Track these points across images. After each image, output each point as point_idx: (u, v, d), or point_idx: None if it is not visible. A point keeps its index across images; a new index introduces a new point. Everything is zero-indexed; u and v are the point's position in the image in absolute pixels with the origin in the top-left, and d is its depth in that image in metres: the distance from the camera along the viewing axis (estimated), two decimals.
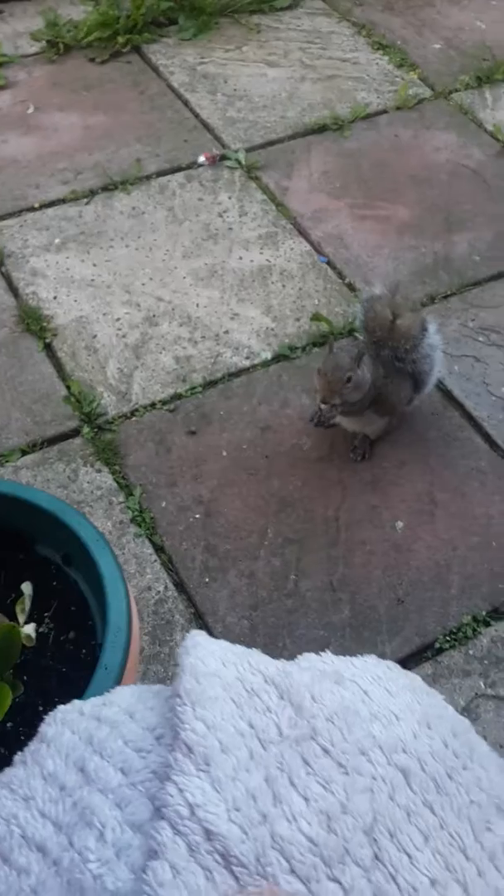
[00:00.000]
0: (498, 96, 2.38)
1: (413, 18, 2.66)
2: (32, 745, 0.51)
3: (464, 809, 0.46)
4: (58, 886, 0.42)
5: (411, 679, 0.56)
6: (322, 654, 0.56)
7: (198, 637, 0.53)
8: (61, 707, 0.54)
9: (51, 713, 0.55)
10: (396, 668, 0.57)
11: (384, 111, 2.33)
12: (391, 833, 0.44)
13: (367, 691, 0.51)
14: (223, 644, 0.54)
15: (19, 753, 0.52)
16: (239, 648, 0.53)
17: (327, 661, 0.55)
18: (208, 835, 0.42)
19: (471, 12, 2.68)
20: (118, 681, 0.95)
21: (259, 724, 0.47)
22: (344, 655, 0.57)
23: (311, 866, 0.42)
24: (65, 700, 1.01)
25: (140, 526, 1.49)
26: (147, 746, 0.48)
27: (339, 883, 0.41)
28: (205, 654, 0.51)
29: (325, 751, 0.46)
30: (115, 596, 1.01)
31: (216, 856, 0.41)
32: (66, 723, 0.51)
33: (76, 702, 0.55)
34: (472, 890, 0.43)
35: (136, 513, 1.50)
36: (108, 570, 1.03)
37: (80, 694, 0.96)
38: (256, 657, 0.53)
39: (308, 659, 0.55)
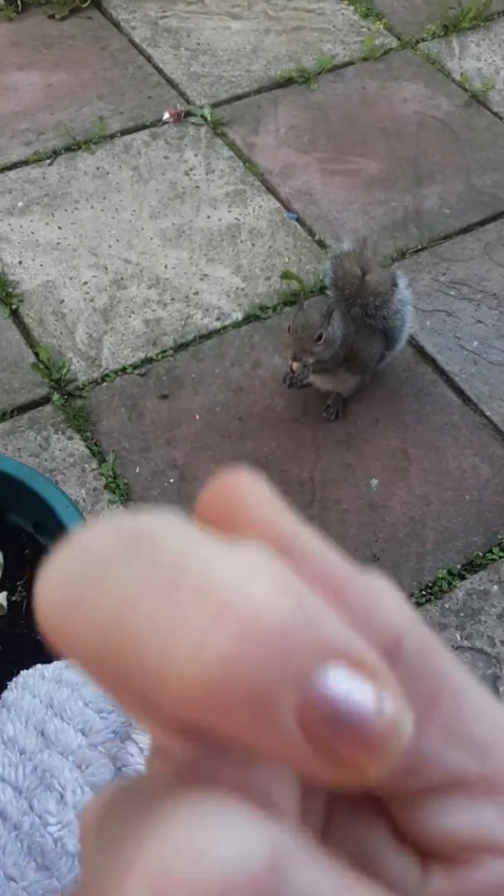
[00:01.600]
0: (465, 45, 2.34)
1: None
2: None
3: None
4: (18, 850, 0.42)
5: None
6: None
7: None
8: (24, 672, 0.54)
9: (14, 678, 0.54)
10: None
11: (351, 63, 2.28)
12: None
13: None
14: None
15: None
16: None
17: None
18: None
19: None
20: None
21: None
22: None
23: None
24: None
25: (114, 492, 1.47)
26: (108, 707, 0.47)
27: None
28: None
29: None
30: None
31: None
32: (26, 687, 0.50)
33: (39, 666, 0.54)
34: None
35: (109, 479, 1.49)
36: None
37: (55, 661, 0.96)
38: None
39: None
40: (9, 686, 0.53)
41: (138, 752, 0.43)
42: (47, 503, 1.06)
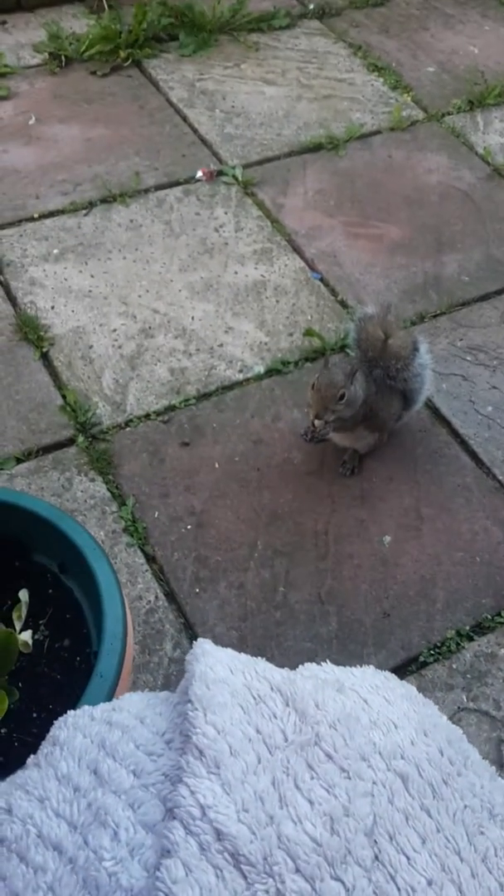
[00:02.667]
0: (489, 120, 2.44)
1: (408, 41, 2.71)
2: (45, 748, 0.54)
3: (458, 814, 0.49)
4: (73, 884, 0.44)
5: (407, 689, 0.58)
6: (322, 664, 0.59)
7: (206, 645, 0.56)
8: (71, 712, 0.57)
9: (61, 718, 0.57)
10: (393, 678, 0.59)
11: (378, 132, 2.37)
12: (391, 835, 0.46)
13: (367, 700, 0.54)
14: (230, 652, 0.56)
15: (32, 756, 0.54)
16: (245, 657, 0.56)
17: (328, 670, 0.57)
18: (219, 835, 0.44)
19: (464, 36, 2.74)
20: (113, 689, 0.97)
21: (266, 730, 0.49)
22: (342, 666, 0.59)
23: (315, 866, 0.44)
24: (59, 707, 1.03)
25: (132, 536, 1.51)
26: (158, 750, 0.50)
27: (342, 882, 0.44)
28: (213, 661, 0.53)
29: (329, 756, 0.48)
30: (111, 604, 1.03)
31: (226, 855, 0.43)
32: (77, 727, 0.53)
33: (86, 707, 0.57)
34: (466, 890, 0.45)
35: (128, 522, 1.52)
36: (105, 578, 1.05)
37: (74, 701, 0.98)
38: (262, 665, 0.55)
39: (309, 668, 0.58)
40: (57, 724, 0.55)
41: (189, 794, 0.46)
42: (75, 545, 1.09)
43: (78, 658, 1.08)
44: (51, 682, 1.05)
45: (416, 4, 2.87)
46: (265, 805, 0.46)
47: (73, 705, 0.99)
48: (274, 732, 0.49)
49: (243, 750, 0.48)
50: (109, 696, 0.97)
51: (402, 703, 0.54)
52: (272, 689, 0.52)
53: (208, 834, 0.44)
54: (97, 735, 0.51)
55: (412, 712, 0.54)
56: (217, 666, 0.52)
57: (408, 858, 0.46)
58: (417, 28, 2.77)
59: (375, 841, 0.46)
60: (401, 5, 2.86)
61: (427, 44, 2.71)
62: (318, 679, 0.54)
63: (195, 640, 1.36)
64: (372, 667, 0.59)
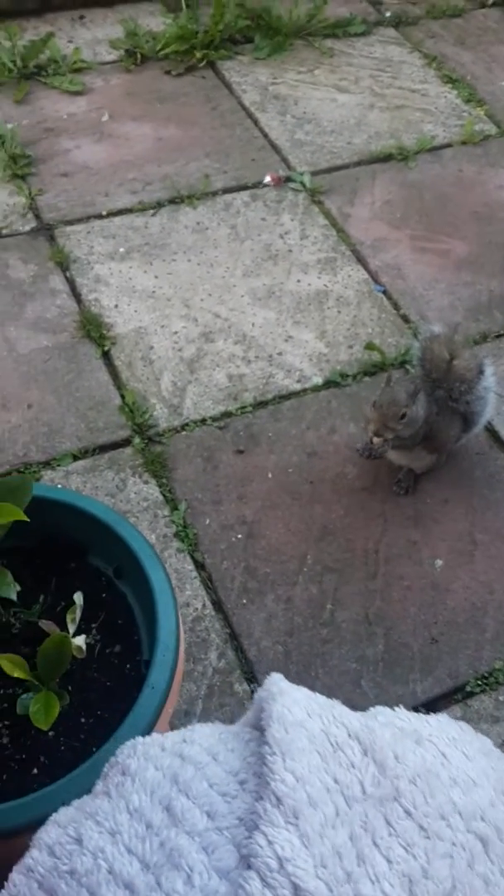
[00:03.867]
0: None
1: (484, 54, 2.67)
2: (114, 778, 0.53)
3: None
4: None
5: (483, 742, 0.56)
6: (396, 709, 0.57)
7: (281, 683, 0.55)
8: (140, 739, 0.56)
9: (128, 744, 0.56)
10: (469, 729, 0.58)
11: (449, 145, 2.34)
12: None
13: (446, 754, 0.52)
14: (306, 692, 0.55)
15: (100, 783, 0.54)
16: (322, 699, 0.55)
17: (404, 717, 0.56)
18: (296, 889, 0.43)
19: None
20: (164, 701, 0.97)
21: (344, 780, 0.48)
22: (417, 713, 0.58)
23: None
24: (107, 713, 1.03)
25: (183, 541, 1.50)
26: (232, 791, 0.49)
27: None
28: (291, 702, 0.52)
29: (408, 813, 0.47)
30: (165, 614, 1.03)
31: None
32: (148, 758, 0.53)
33: (156, 735, 0.56)
34: None
35: (179, 528, 1.52)
36: (160, 587, 1.05)
37: (122, 710, 0.97)
38: (339, 709, 0.54)
39: (384, 714, 0.56)
40: (125, 752, 0.55)
41: (266, 844, 0.44)
42: (131, 550, 1.09)
43: (128, 665, 1.08)
44: (100, 687, 1.05)
45: (495, 17, 2.82)
46: (343, 861, 0.44)
47: (122, 713, 0.99)
48: (352, 783, 0.48)
49: (322, 800, 0.46)
50: (160, 709, 0.96)
51: (480, 760, 0.53)
52: (350, 736, 0.50)
53: (286, 888, 0.43)
54: (169, 769, 0.51)
55: (490, 770, 0.52)
56: (294, 707, 0.51)
57: None
58: (494, 41, 2.73)
59: None
60: (478, 17, 2.81)
61: (503, 58, 2.66)
62: (396, 727, 0.53)
63: (241, 651, 1.35)
64: (445, 716, 0.58)
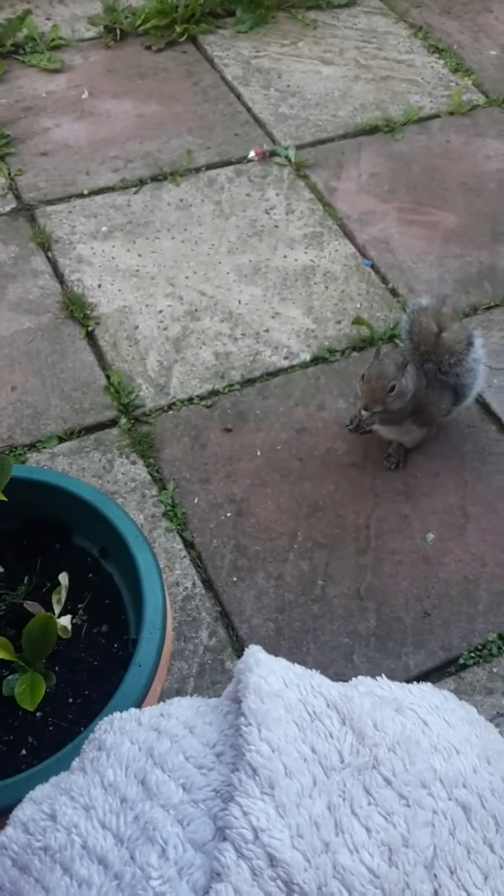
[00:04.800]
0: None
1: (470, 23, 2.63)
2: (90, 752, 0.52)
3: None
4: None
5: (467, 710, 0.55)
6: (378, 679, 0.56)
7: (259, 654, 0.53)
8: (117, 714, 0.55)
9: (105, 719, 0.55)
10: (452, 697, 0.57)
11: (437, 115, 2.31)
12: (451, 869, 0.44)
13: (427, 721, 0.51)
14: (283, 663, 0.54)
15: (77, 759, 0.53)
16: (299, 669, 0.54)
17: (385, 686, 0.55)
18: (272, 860, 0.42)
19: None
20: (151, 679, 0.96)
21: (321, 750, 0.47)
22: (399, 682, 0.57)
23: None
24: (94, 693, 1.02)
25: (172, 521, 1.49)
26: (208, 763, 0.48)
27: None
28: (267, 672, 0.51)
29: (388, 781, 0.46)
30: (151, 593, 1.02)
31: (279, 882, 0.41)
32: (124, 732, 0.51)
33: (133, 710, 0.55)
34: None
35: (168, 507, 1.51)
36: (147, 566, 1.04)
37: (110, 688, 0.97)
38: (318, 679, 0.53)
39: (365, 683, 0.55)
40: (102, 727, 0.54)
41: (242, 815, 0.43)
42: (117, 530, 1.08)
43: (115, 645, 1.07)
44: (87, 667, 1.04)
45: None
46: (320, 831, 0.43)
47: (110, 692, 0.98)
48: (330, 753, 0.47)
49: (298, 770, 0.45)
50: (147, 687, 0.96)
51: (462, 727, 0.52)
52: (328, 705, 0.49)
53: (261, 859, 0.42)
54: (145, 742, 0.50)
55: (474, 737, 0.51)
56: (271, 677, 0.50)
57: (468, 895, 0.43)
58: (481, 10, 2.69)
59: (435, 875, 0.43)
60: None
61: (490, 26, 2.62)
62: (376, 696, 0.52)
63: (232, 629, 1.34)
64: (429, 685, 0.57)
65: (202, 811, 0.45)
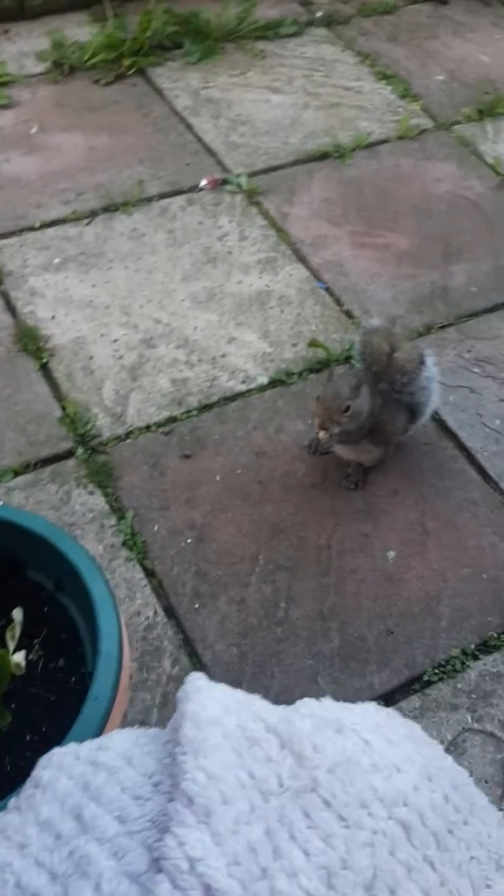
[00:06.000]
0: (499, 129, 2.41)
1: (417, 49, 2.69)
2: (27, 790, 0.51)
3: (464, 866, 0.46)
4: None
5: (410, 728, 0.55)
6: (322, 700, 0.56)
7: (198, 681, 0.53)
8: (56, 750, 0.54)
9: (45, 756, 0.54)
10: (396, 715, 0.57)
11: (386, 140, 2.35)
12: (391, 889, 0.43)
13: (368, 740, 0.51)
14: (224, 689, 0.53)
15: (13, 798, 0.52)
16: (240, 694, 0.53)
17: (328, 707, 0.54)
18: (208, 890, 0.41)
19: (475, 45, 2.72)
20: (108, 711, 0.94)
21: (260, 775, 0.46)
22: (341, 701, 0.57)
23: None
24: (52, 730, 1.00)
25: (131, 550, 1.48)
26: (145, 794, 0.47)
27: None
28: (206, 699, 0.50)
29: (327, 803, 0.46)
30: (107, 623, 1.00)
31: None
32: (61, 767, 0.51)
33: (72, 745, 0.54)
34: None
35: (127, 536, 1.49)
36: (101, 596, 1.03)
37: (68, 723, 0.95)
38: (258, 703, 0.52)
39: (308, 705, 0.55)
40: (40, 763, 0.53)
41: (177, 846, 0.43)
42: (71, 562, 1.07)
43: (73, 678, 1.05)
44: (45, 703, 1.02)
45: (426, 13, 2.85)
46: (258, 857, 0.43)
47: (68, 727, 0.97)
48: (269, 778, 0.46)
49: (236, 797, 0.45)
50: (105, 720, 0.94)
51: (405, 745, 0.51)
52: (267, 730, 0.49)
53: (196, 889, 0.41)
54: (81, 777, 0.49)
55: (416, 755, 0.51)
56: (210, 704, 0.50)
57: None
58: (427, 36, 2.75)
59: (375, 895, 0.43)
60: (410, 13, 2.84)
61: (436, 52, 2.69)
62: (317, 718, 0.52)
63: (195, 657, 1.33)
64: (373, 703, 0.57)
65: (138, 842, 0.44)
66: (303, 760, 0.47)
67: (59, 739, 0.95)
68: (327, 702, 0.56)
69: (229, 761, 0.46)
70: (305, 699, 0.56)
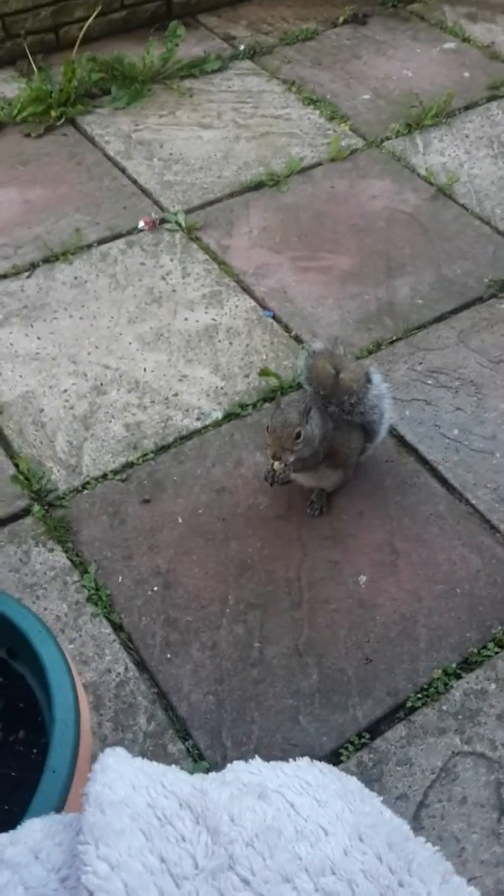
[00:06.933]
0: (428, 141, 2.43)
1: (341, 72, 2.72)
2: None
3: None
4: None
5: (344, 783, 0.52)
6: (250, 762, 0.53)
7: (107, 759, 0.49)
8: None
9: None
10: (331, 771, 0.53)
11: (319, 164, 2.36)
12: None
13: (294, 803, 0.47)
14: (136, 764, 0.50)
15: None
16: (153, 768, 0.50)
17: (254, 770, 0.51)
18: None
19: (397, 61, 2.75)
20: (68, 783, 0.90)
21: (171, 857, 0.43)
22: (273, 761, 0.53)
23: None
24: (15, 807, 0.95)
25: (97, 605, 1.44)
26: (49, 892, 0.43)
27: None
28: (113, 778, 0.47)
29: (245, 882, 0.42)
30: (60, 689, 0.96)
31: None
32: None
33: None
34: None
35: (91, 591, 1.45)
36: (53, 662, 0.99)
37: (29, 798, 0.91)
38: (172, 776, 0.49)
39: (234, 770, 0.51)
40: None
41: None
42: (19, 628, 1.03)
43: (35, 750, 1.01)
44: (5, 779, 0.98)
45: (347, 35, 2.88)
46: None
47: (29, 803, 0.92)
48: (182, 859, 0.43)
49: (142, 886, 0.41)
50: (65, 792, 0.90)
51: (335, 803, 0.48)
52: (181, 805, 0.45)
53: None
54: None
55: (347, 812, 0.47)
56: (117, 784, 0.46)
57: None
58: (350, 58, 2.78)
59: None
60: (331, 37, 2.87)
61: (360, 72, 2.71)
62: (241, 784, 0.48)
63: (171, 710, 1.28)
64: (307, 759, 0.53)
65: None
66: (219, 835, 0.44)
67: (22, 817, 0.90)
68: (256, 763, 0.52)
69: (136, 846, 0.43)
70: (234, 763, 0.53)
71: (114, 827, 0.43)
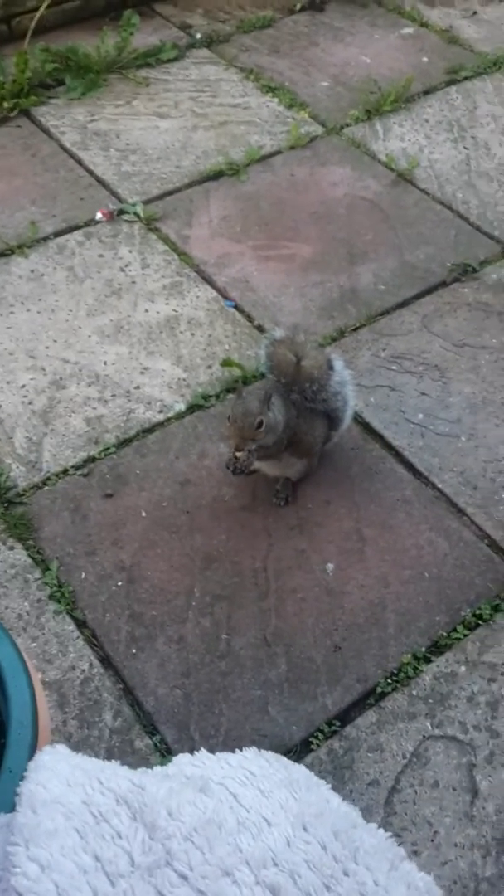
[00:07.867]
0: (388, 127, 2.41)
1: (299, 59, 2.69)
2: None
3: None
4: None
5: (290, 772, 0.50)
6: (196, 754, 0.51)
7: (45, 756, 0.47)
8: None
9: None
10: (277, 760, 0.51)
11: (278, 152, 2.34)
12: None
13: (237, 795, 0.45)
14: (74, 761, 0.48)
15: None
16: (91, 764, 0.47)
17: (198, 762, 0.49)
18: None
19: (355, 48, 2.73)
20: None
21: (106, 856, 0.41)
22: (221, 752, 0.51)
23: None
24: None
25: (59, 602, 1.41)
26: None
27: None
28: (48, 776, 0.45)
29: (183, 877, 0.40)
30: (16, 688, 0.94)
31: None
32: None
33: None
34: None
35: (54, 588, 1.43)
36: (7, 660, 0.96)
37: None
38: (110, 772, 0.47)
39: (178, 763, 0.49)
40: None
41: None
42: None
43: None
44: None
45: (304, 22, 2.86)
46: None
47: None
48: (117, 857, 0.41)
49: (74, 887, 0.39)
50: None
51: (279, 793, 0.46)
52: (118, 801, 0.43)
53: None
54: None
55: (292, 801, 0.46)
56: (52, 781, 0.44)
57: None
58: (307, 45, 2.76)
59: None
60: (288, 24, 2.84)
61: (319, 59, 2.69)
62: (182, 778, 0.46)
63: (137, 705, 1.26)
64: (254, 749, 0.51)
65: None
66: (156, 831, 0.42)
67: None
68: (201, 755, 0.50)
69: (70, 845, 0.41)
70: (180, 755, 0.51)
71: (46, 826, 0.41)
